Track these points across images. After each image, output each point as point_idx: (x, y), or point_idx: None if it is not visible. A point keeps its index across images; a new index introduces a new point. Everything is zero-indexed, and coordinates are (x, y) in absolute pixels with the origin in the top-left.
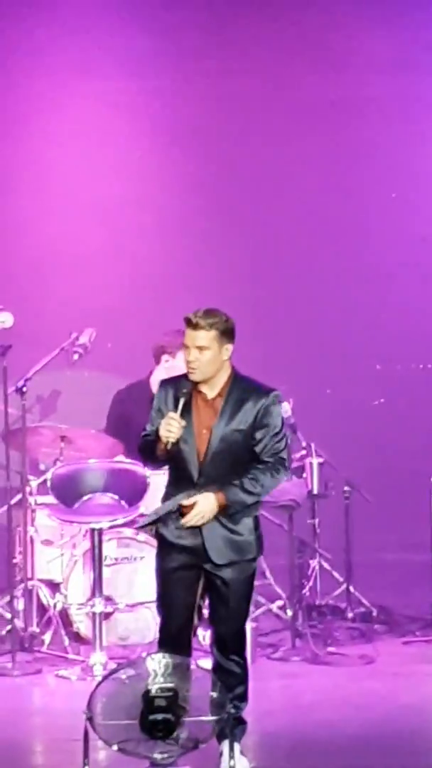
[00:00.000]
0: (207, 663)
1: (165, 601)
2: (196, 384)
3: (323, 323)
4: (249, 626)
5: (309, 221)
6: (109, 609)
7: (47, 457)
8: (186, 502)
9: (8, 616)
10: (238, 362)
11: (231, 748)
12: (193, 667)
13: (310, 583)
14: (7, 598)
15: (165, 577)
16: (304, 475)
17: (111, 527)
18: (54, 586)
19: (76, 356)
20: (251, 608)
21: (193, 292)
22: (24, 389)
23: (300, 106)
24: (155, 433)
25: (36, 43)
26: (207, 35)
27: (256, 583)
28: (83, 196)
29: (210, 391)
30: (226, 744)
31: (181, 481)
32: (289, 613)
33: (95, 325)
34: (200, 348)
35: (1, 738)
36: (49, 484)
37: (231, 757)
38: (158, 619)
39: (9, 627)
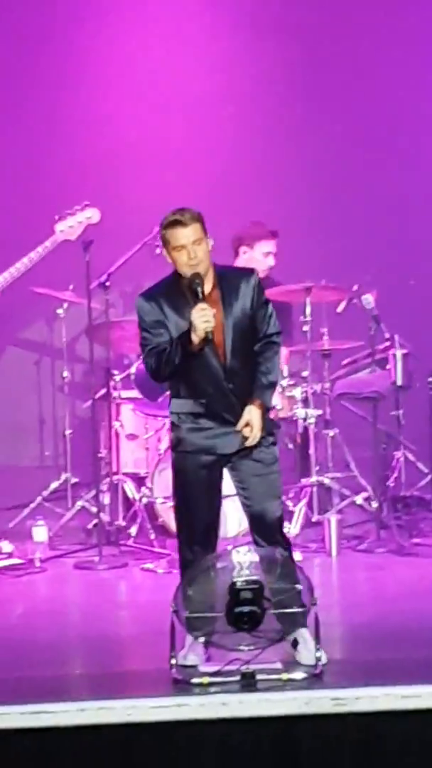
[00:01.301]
0: (294, 556)
1: (196, 504)
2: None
3: (406, 215)
4: (334, 519)
5: (396, 113)
6: None
7: (131, 351)
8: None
9: (94, 510)
10: (322, 255)
11: (317, 638)
12: (277, 558)
13: (395, 475)
14: (93, 493)
15: (192, 477)
16: (388, 366)
17: None
18: (139, 480)
19: (158, 250)
20: (336, 500)
21: (277, 186)
22: (107, 284)
23: None
24: (170, 342)
25: None
26: None
27: (340, 475)
28: (166, 90)
29: (206, 285)
30: (305, 632)
31: (200, 384)
32: (374, 505)
33: None
34: (196, 242)
35: (88, 632)
36: (132, 378)
37: (317, 648)
38: (242, 513)
39: (95, 521)
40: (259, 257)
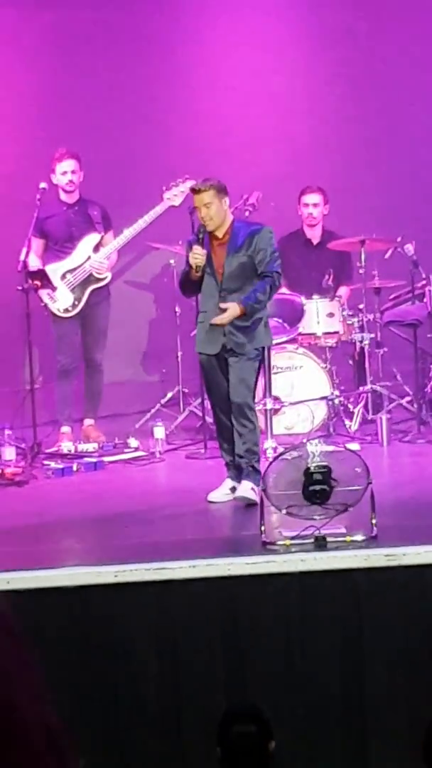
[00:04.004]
0: (354, 446)
1: (210, 386)
2: (211, 232)
3: None
4: (385, 417)
5: None
6: (277, 406)
7: None
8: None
9: (200, 413)
10: (373, 213)
11: (373, 508)
12: (342, 449)
13: (431, 383)
14: (199, 400)
15: (203, 368)
16: (425, 299)
17: (277, 344)
18: None
19: (247, 213)
20: (386, 403)
21: (339, 161)
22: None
23: None
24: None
25: None
26: None
27: (388, 383)
28: (249, 87)
29: (220, 233)
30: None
31: (204, 299)
32: (415, 406)
33: (261, 189)
34: (207, 205)
35: (198, 506)
36: None
37: (373, 516)
38: (316, 413)
39: (201, 422)
40: (301, 207)
